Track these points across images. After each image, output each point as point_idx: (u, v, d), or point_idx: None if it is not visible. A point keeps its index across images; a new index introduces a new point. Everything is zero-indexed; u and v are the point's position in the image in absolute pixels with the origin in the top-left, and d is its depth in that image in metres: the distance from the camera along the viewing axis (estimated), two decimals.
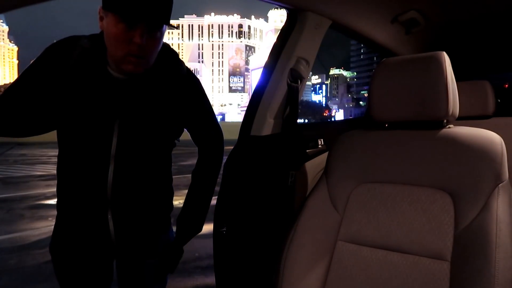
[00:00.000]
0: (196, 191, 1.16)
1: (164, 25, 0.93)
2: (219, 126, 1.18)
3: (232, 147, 1.40)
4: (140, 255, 1.13)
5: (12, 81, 1.00)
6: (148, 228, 1.12)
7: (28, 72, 0.98)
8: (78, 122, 0.98)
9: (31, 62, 1.01)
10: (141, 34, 0.89)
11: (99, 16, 0.93)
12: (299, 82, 1.37)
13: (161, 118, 1.04)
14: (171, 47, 1.09)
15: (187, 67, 1.11)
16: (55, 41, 1.01)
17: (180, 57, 1.15)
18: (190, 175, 1.19)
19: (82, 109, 0.97)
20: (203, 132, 1.16)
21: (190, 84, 1.09)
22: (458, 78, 1.07)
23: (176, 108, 1.06)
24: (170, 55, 1.07)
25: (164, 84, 1.03)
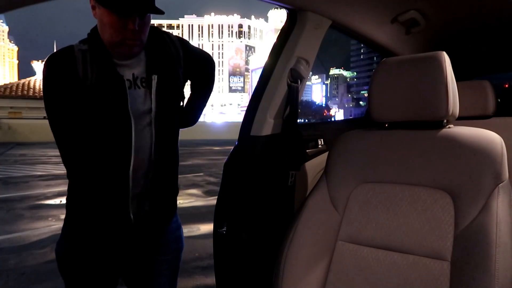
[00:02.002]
0: (195, 94, 1.32)
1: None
2: (207, 53, 1.34)
3: (232, 147, 1.41)
4: (152, 250, 1.18)
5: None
6: (162, 211, 1.18)
7: (50, 97, 1.04)
8: (103, 117, 1.03)
9: (42, 87, 1.06)
10: (134, 21, 0.96)
11: (91, 5, 1.00)
12: (299, 82, 1.37)
13: (173, 79, 1.13)
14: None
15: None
16: (50, 55, 1.05)
17: None
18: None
19: (105, 104, 1.02)
20: (202, 63, 1.30)
21: (182, 42, 1.20)
22: (458, 78, 1.07)
23: (179, 65, 1.16)
24: (156, 30, 1.15)
25: (163, 50, 1.13)
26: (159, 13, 0.99)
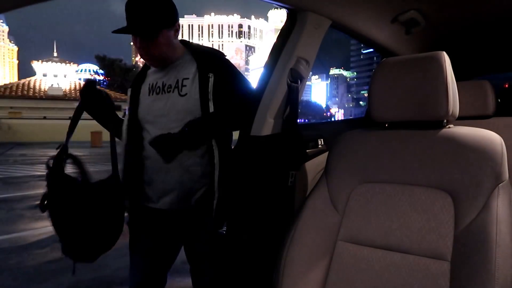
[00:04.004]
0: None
1: (160, 32, 1.24)
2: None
3: (232, 147, 1.41)
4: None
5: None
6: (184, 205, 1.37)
7: None
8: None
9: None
10: (136, 42, 1.24)
11: None
12: (299, 82, 1.37)
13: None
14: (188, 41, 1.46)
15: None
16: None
17: None
18: None
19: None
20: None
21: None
22: (458, 78, 1.07)
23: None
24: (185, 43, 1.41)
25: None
26: (147, 37, 1.23)
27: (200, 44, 1.43)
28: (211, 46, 1.40)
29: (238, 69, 1.42)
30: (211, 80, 1.26)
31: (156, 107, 1.32)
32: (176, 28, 1.31)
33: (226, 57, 1.38)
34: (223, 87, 1.28)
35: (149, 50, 1.26)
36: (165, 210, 1.34)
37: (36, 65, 35.01)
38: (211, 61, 1.31)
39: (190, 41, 1.44)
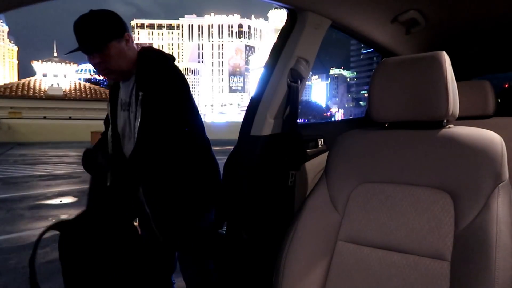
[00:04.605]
0: None
1: (109, 43, 1.24)
2: None
3: (232, 147, 1.41)
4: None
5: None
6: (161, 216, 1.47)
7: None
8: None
9: None
10: (90, 60, 1.27)
11: None
12: (299, 82, 1.37)
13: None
14: (152, 48, 1.42)
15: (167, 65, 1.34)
16: None
17: (180, 57, 1.40)
18: None
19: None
20: None
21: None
22: (458, 78, 1.07)
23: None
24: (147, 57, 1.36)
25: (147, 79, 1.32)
26: (96, 51, 1.24)
27: (157, 51, 1.40)
28: (160, 55, 1.36)
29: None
30: (140, 98, 1.28)
31: (123, 122, 1.39)
32: (126, 38, 1.30)
33: (165, 73, 1.28)
34: (150, 106, 1.27)
35: (105, 65, 1.27)
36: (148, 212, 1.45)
37: (36, 65, 34.96)
38: (145, 78, 1.29)
39: (155, 48, 1.44)
